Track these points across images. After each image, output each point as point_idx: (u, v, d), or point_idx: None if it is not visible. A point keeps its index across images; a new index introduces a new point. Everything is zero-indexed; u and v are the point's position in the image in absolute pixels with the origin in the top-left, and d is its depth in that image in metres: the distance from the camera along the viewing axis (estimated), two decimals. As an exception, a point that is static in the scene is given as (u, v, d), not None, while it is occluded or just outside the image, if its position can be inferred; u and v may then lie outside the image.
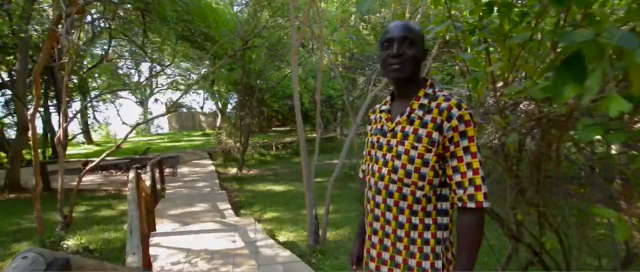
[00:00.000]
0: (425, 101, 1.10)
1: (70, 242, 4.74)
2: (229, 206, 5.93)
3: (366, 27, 7.95)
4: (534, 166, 1.65)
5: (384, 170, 1.14)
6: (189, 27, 7.41)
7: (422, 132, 1.07)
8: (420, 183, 1.08)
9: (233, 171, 9.41)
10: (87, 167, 5.29)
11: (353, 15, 9.67)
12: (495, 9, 1.25)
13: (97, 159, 5.54)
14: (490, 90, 1.64)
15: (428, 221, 1.08)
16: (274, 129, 15.74)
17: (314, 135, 11.93)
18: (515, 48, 1.29)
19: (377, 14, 8.34)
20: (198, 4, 7.39)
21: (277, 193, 7.42)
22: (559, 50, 1.15)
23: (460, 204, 1.04)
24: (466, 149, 1.03)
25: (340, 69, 9.86)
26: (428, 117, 1.07)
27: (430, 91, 1.12)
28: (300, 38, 3.74)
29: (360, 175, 1.38)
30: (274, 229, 5.19)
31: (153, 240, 3.91)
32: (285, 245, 4.53)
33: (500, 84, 1.61)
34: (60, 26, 3.48)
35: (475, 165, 1.02)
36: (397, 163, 1.10)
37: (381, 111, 1.24)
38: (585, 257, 2.27)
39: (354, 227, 5.27)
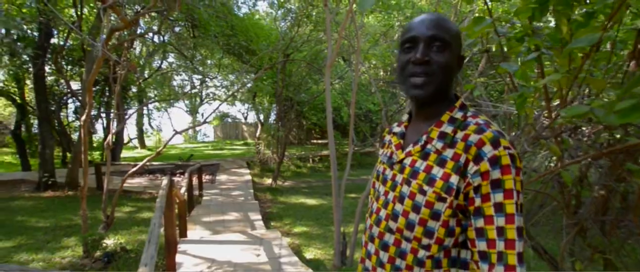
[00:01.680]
0: (449, 129, 0.80)
1: (110, 241, 4.99)
2: (259, 216, 5.91)
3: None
4: (599, 203, 1.33)
5: (382, 213, 0.87)
6: (231, 41, 7.71)
7: (436, 171, 0.78)
8: (424, 240, 0.78)
9: (268, 181, 9.48)
10: (131, 171, 5.59)
11: (395, 30, 9.46)
12: (551, 8, 0.97)
13: (140, 163, 5.84)
14: (545, 109, 1.36)
15: None
16: (312, 141, 15.76)
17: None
18: (577, 57, 1.02)
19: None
20: (241, 19, 7.70)
21: (309, 207, 7.29)
22: None
23: None
24: (499, 207, 0.71)
25: (381, 83, 9.64)
26: (448, 153, 0.78)
27: (459, 115, 0.82)
28: (336, 51, 3.64)
29: None
30: (302, 245, 5.04)
31: (181, 247, 3.96)
32: (311, 262, 4.36)
33: (556, 102, 1.32)
34: (113, 40, 3.75)
35: (510, 234, 0.70)
36: (399, 208, 0.82)
37: (394, 133, 0.95)
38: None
39: (386, 250, 4.95)
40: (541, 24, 1.12)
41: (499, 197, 0.72)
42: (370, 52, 7.81)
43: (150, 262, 1.94)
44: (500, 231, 0.71)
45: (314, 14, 7.81)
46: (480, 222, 0.73)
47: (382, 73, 9.54)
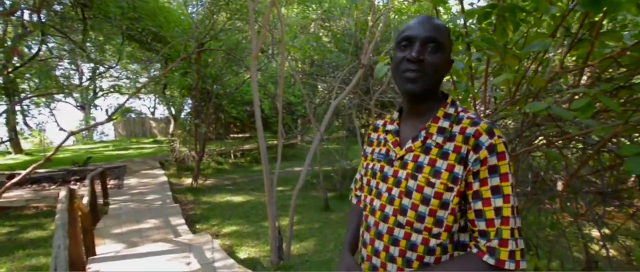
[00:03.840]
0: (446, 124, 0.86)
1: (-14, 274, 4.01)
2: (182, 220, 5.44)
3: (327, 34, 7.89)
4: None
5: (389, 209, 0.89)
6: (136, 26, 6.79)
7: (441, 164, 0.83)
8: (435, 230, 0.83)
9: (188, 181, 8.78)
10: (10, 182, 4.55)
11: (313, 23, 9.60)
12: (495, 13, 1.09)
13: (23, 172, 4.79)
14: (487, 105, 1.54)
15: None
16: (232, 136, 15.09)
17: (275, 142, 11.63)
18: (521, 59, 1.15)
19: (338, 22, 8.34)
20: (146, 1, 6.81)
21: (237, 204, 7.02)
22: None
23: (475, 251, 0.81)
24: (496, 190, 0.79)
25: (301, 76, 9.71)
26: (449, 146, 0.84)
27: (451, 110, 0.88)
28: (260, 42, 3.51)
29: (353, 200, 1.14)
30: (234, 245, 4.84)
31: (92, 267, 3.39)
32: (246, 262, 4.22)
33: (504, 101, 1.48)
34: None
35: (506, 212, 0.78)
36: (407, 202, 0.86)
37: (387, 131, 0.97)
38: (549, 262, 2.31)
39: (318, 239, 5.08)
40: (478, 26, 1.25)
41: (495, 181, 0.79)
42: (290, 44, 7.78)
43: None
44: (498, 211, 0.79)
45: (230, 1, 7.38)
46: (479, 205, 0.81)
47: (301, 66, 9.61)
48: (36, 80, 13.35)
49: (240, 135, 14.72)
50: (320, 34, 8.23)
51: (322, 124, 3.53)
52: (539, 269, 2.02)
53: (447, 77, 1.46)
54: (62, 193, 2.92)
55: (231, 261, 3.54)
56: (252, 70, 3.44)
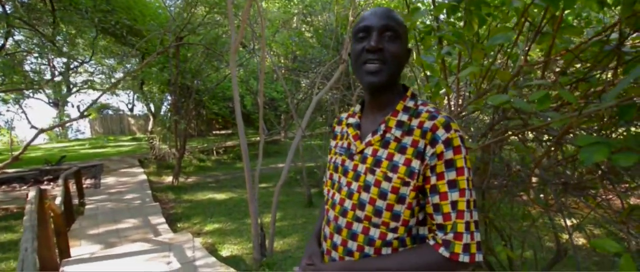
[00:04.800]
0: (405, 117, 0.85)
1: (-50, 281, 3.82)
2: (163, 219, 5.33)
3: (309, 29, 7.84)
4: (480, 173, 1.63)
5: (348, 203, 0.89)
6: (109, 19, 6.53)
7: (398, 158, 0.83)
8: (392, 224, 0.83)
9: (168, 179, 8.60)
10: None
11: (295, 17, 9.51)
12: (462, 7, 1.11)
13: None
14: (460, 97, 1.56)
15: None
16: (214, 132, 14.86)
17: (258, 138, 11.50)
18: (488, 52, 1.19)
19: (319, 17, 8.30)
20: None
21: (219, 202, 6.93)
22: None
23: (432, 243, 0.81)
24: (452, 184, 0.79)
25: (283, 71, 9.63)
26: (407, 140, 0.83)
27: (411, 104, 0.87)
28: (240, 37, 3.44)
29: (324, 192, 1.15)
30: (216, 243, 4.78)
31: (64, 270, 3.27)
32: (229, 260, 4.18)
33: (472, 93, 1.51)
34: None
35: (461, 206, 0.78)
36: (365, 197, 0.85)
37: (348, 125, 0.96)
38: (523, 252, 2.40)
39: (301, 235, 5.09)
40: (446, 21, 1.28)
41: (452, 175, 0.79)
42: (271, 39, 7.68)
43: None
44: (454, 205, 0.79)
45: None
46: (436, 199, 0.81)
47: (283, 60, 9.51)
48: (3, 76, 12.69)
49: (222, 131, 14.51)
50: (303, 29, 8.17)
51: (303, 120, 3.52)
52: (512, 259, 2.09)
53: (422, 73, 1.47)
54: (32, 193, 2.79)
55: (212, 259, 3.49)
56: (232, 66, 3.37)
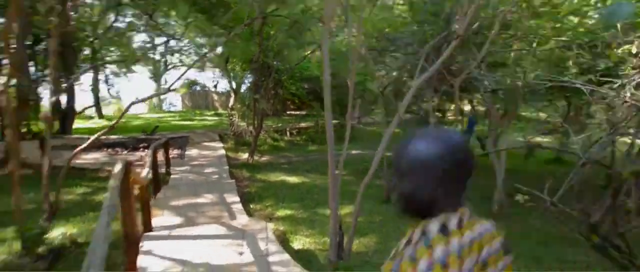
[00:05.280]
0: None
1: (57, 232, 4.17)
2: (237, 198, 5.26)
3: (402, 3, 6.90)
4: None
5: None
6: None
7: None
8: None
9: (244, 156, 8.74)
10: (80, 147, 4.67)
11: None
12: None
13: (91, 138, 4.90)
14: None
15: None
16: (288, 112, 14.95)
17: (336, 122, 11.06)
18: None
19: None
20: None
21: (291, 185, 6.72)
22: None
23: None
24: None
25: (364, 50, 8.88)
26: None
27: None
28: (334, 9, 2.90)
29: None
30: (288, 232, 4.49)
31: (145, 245, 3.25)
32: (301, 254, 3.83)
33: None
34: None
35: None
36: None
37: None
38: None
39: (379, 236, 4.52)
40: None
41: None
42: (360, 16, 6.98)
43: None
44: None
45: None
46: None
47: (370, 41, 8.72)
48: (115, 51, 14.44)
49: (297, 112, 14.50)
50: (391, 3, 7.26)
51: (402, 104, 2.90)
52: None
53: None
54: (116, 168, 2.71)
55: (286, 256, 3.14)
56: (323, 41, 2.89)
